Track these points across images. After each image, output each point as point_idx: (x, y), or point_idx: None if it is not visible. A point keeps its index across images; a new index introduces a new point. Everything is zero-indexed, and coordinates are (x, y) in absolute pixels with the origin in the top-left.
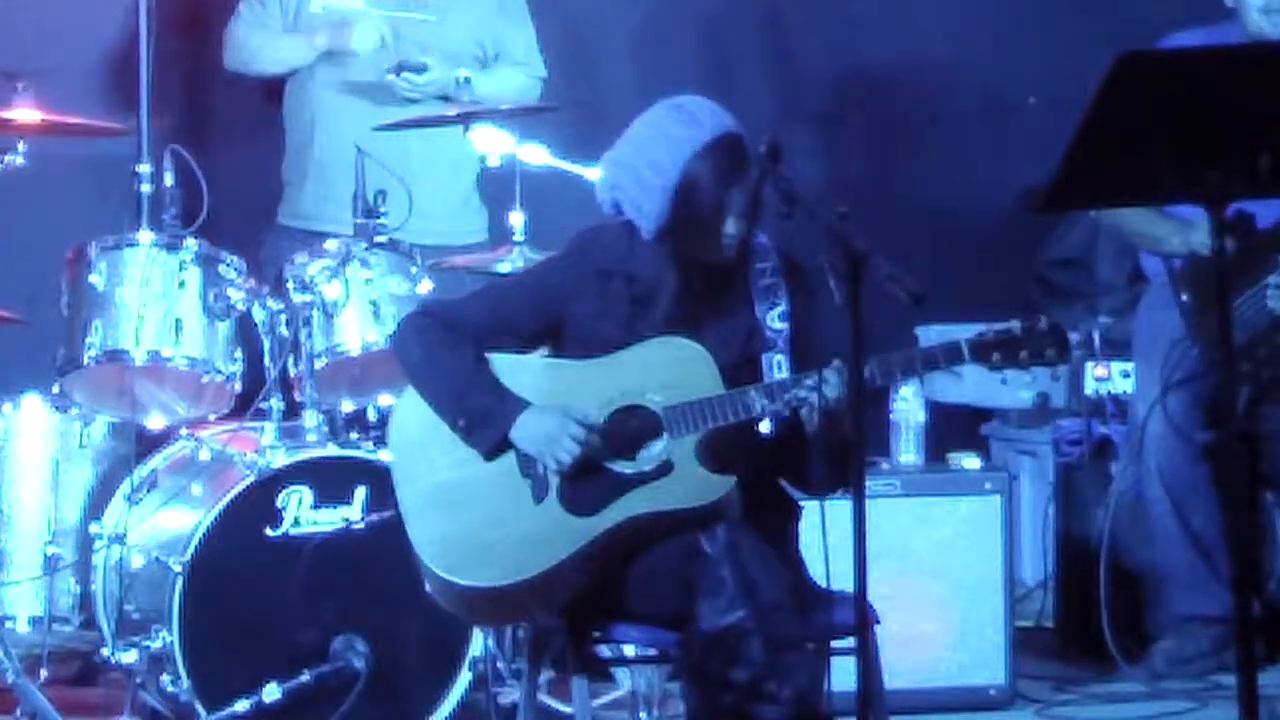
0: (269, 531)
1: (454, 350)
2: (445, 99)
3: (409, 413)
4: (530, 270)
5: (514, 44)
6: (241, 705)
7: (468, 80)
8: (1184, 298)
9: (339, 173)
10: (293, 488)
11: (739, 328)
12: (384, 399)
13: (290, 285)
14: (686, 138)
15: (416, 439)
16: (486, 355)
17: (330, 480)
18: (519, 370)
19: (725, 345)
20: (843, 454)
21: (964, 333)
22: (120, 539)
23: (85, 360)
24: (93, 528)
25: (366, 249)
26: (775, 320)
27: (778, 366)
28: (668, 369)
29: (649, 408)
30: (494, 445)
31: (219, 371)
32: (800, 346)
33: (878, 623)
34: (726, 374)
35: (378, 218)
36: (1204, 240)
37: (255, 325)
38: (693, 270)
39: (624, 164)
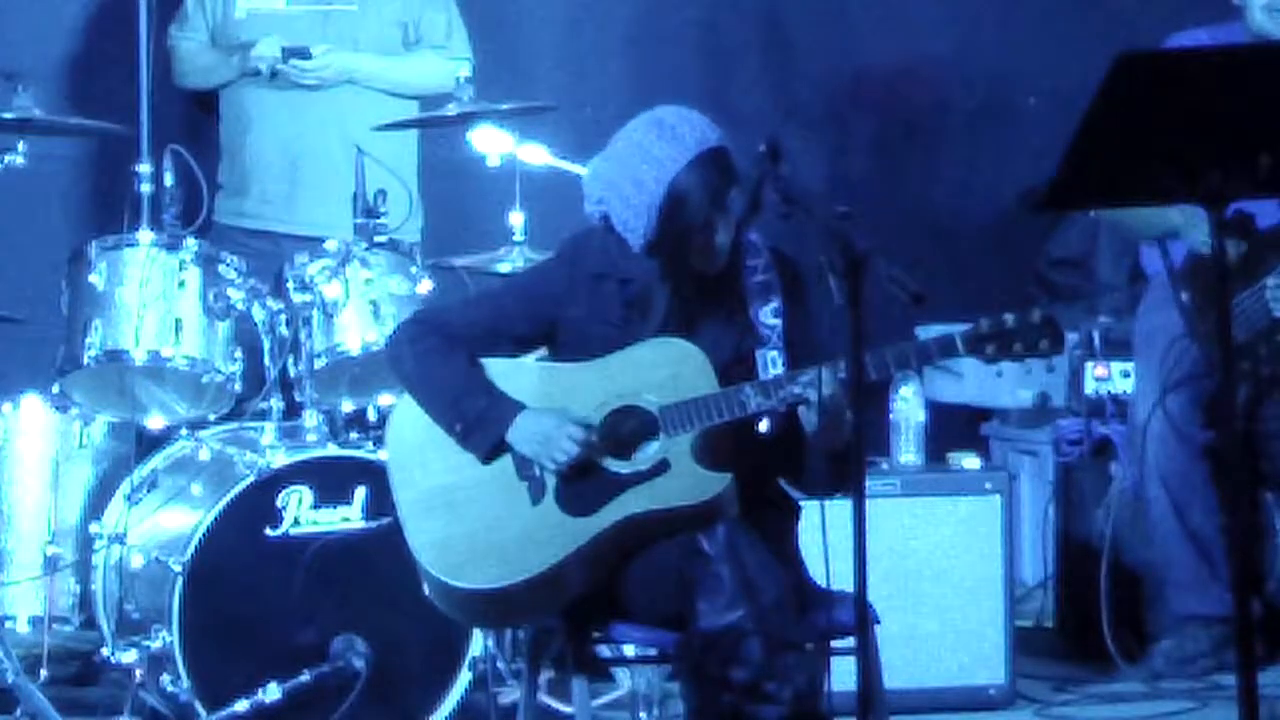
0: (269, 531)
1: (448, 356)
2: (351, 83)
3: (405, 418)
4: (522, 275)
5: (433, 26)
6: (241, 705)
7: (469, 80)
8: (1184, 296)
9: (274, 174)
10: (293, 488)
11: (732, 326)
12: (384, 399)
13: (290, 285)
14: (669, 156)
15: (413, 444)
16: (481, 360)
17: (330, 480)
18: (514, 374)
19: (719, 344)
20: (843, 455)
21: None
22: (120, 539)
23: (85, 360)
24: (93, 528)
25: (366, 249)
26: (768, 316)
27: (771, 363)
28: (662, 369)
29: (644, 408)
30: (491, 448)
31: (219, 371)
32: (794, 342)
33: (878, 623)
34: (721, 372)
35: (377, 217)
36: (1205, 240)
37: (255, 325)
38: (684, 278)
39: (608, 181)
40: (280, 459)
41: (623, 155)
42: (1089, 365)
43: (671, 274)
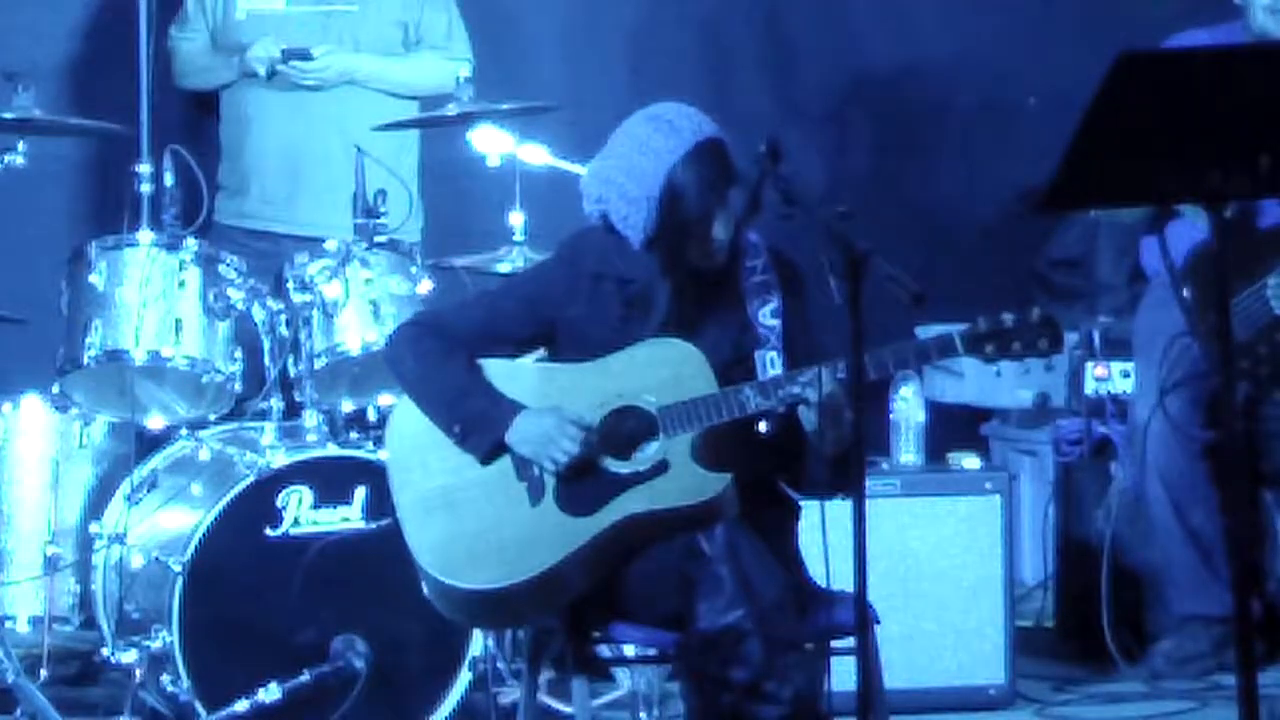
0: (269, 531)
1: (447, 358)
2: (352, 83)
3: (405, 419)
4: (521, 275)
5: (434, 27)
6: (241, 705)
7: (469, 80)
8: (1185, 293)
9: (274, 174)
10: (293, 488)
11: (731, 326)
12: (384, 399)
13: (290, 285)
14: (667, 148)
15: (413, 445)
16: (480, 362)
17: (330, 480)
18: (513, 375)
19: (718, 344)
20: (843, 457)
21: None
22: (120, 539)
23: (85, 360)
24: (93, 528)
25: (366, 249)
26: (767, 317)
27: (770, 363)
28: (662, 369)
29: (644, 408)
30: (490, 449)
31: (219, 371)
32: (793, 342)
33: (877, 623)
34: (720, 373)
35: (377, 217)
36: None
37: (255, 325)
38: (684, 275)
39: (606, 177)
40: (280, 459)
41: (621, 150)
42: (1089, 365)
43: (671, 270)
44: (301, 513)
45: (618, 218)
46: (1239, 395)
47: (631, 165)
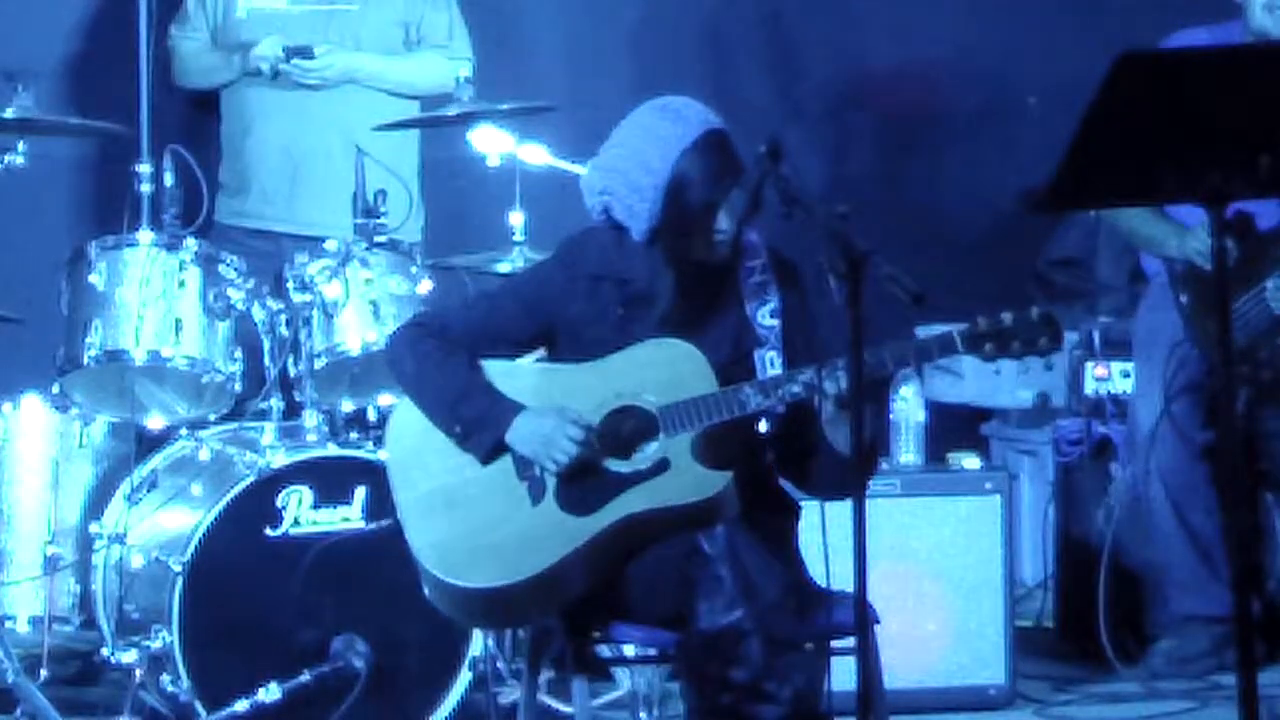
0: (269, 531)
1: (447, 359)
2: (353, 82)
3: (405, 420)
4: (520, 276)
5: (435, 27)
6: (241, 705)
7: (469, 80)
8: (1182, 299)
9: (274, 173)
10: (293, 488)
11: (730, 326)
12: (384, 399)
13: (290, 285)
14: (675, 135)
15: (413, 445)
16: (480, 362)
17: (330, 480)
18: (513, 375)
19: (718, 344)
20: (862, 453)
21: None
22: (120, 539)
23: (85, 360)
24: (93, 528)
25: (366, 249)
26: (766, 317)
27: (770, 363)
28: (661, 369)
29: (644, 408)
30: (490, 449)
31: (219, 371)
32: (792, 342)
33: (878, 623)
34: (719, 372)
35: (377, 217)
36: (1200, 249)
37: (255, 325)
38: (685, 271)
39: (613, 167)
40: (280, 459)
41: (627, 140)
42: (1089, 365)
43: (674, 263)
44: (301, 513)
45: (622, 209)
46: (1239, 399)
47: (639, 153)
